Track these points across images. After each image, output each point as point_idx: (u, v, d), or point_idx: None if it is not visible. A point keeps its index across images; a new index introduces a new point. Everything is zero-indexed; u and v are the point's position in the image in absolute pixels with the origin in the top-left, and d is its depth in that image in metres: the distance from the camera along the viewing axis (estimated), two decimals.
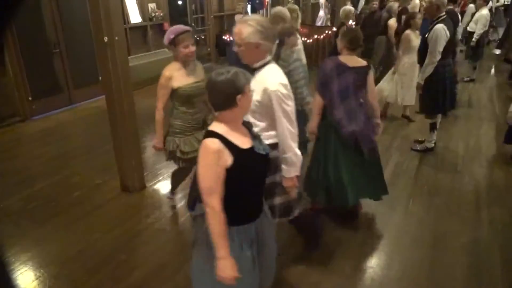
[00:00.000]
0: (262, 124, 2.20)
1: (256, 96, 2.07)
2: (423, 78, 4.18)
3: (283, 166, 2.23)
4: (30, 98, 5.82)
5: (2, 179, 4.10)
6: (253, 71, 2.14)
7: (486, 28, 7.30)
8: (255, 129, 1.93)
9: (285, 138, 2.14)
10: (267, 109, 2.13)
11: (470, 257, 2.86)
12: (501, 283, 2.63)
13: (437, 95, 4.23)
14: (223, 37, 9.15)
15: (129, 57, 3.69)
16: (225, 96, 1.60)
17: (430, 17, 4.24)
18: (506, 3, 11.72)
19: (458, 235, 3.09)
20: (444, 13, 4.11)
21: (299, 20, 5.13)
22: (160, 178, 4.06)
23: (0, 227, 3.27)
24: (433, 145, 4.57)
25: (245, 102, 1.65)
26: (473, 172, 4.14)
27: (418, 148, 4.62)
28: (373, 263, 2.82)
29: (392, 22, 6.22)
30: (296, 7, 5.11)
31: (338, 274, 2.70)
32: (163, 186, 3.91)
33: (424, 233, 3.14)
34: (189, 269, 1.93)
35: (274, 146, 2.19)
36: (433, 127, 4.52)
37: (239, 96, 1.60)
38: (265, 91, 2.09)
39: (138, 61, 7.37)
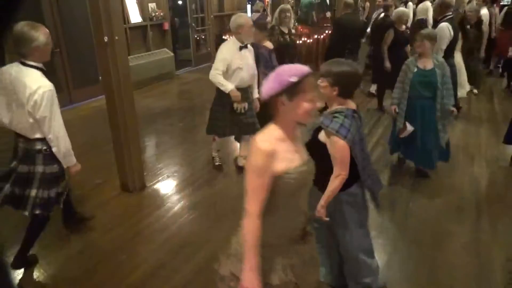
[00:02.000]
0: None
1: None
2: None
3: None
4: None
5: None
6: None
7: (486, 28, 7.29)
8: None
9: None
10: None
11: (470, 257, 2.87)
12: (501, 283, 2.63)
13: None
14: (223, 37, 9.15)
15: (129, 57, 3.68)
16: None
17: (436, 16, 4.26)
18: None
19: (458, 235, 3.09)
20: (450, 13, 4.14)
21: (292, 20, 5.11)
22: (160, 178, 4.06)
23: (0, 227, 3.27)
24: None
25: None
26: (473, 172, 4.14)
27: None
28: None
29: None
30: (288, 7, 5.09)
31: None
32: (163, 186, 3.92)
33: (424, 233, 3.14)
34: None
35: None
36: None
37: None
38: None
39: (138, 61, 7.38)
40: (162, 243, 3.05)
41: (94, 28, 3.37)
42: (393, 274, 2.72)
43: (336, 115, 1.99)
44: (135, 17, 7.70)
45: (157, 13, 8.09)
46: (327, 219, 2.10)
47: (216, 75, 3.64)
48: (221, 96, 3.79)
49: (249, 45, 3.80)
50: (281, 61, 4.88)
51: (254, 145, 1.48)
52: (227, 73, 3.67)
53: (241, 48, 3.70)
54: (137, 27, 7.73)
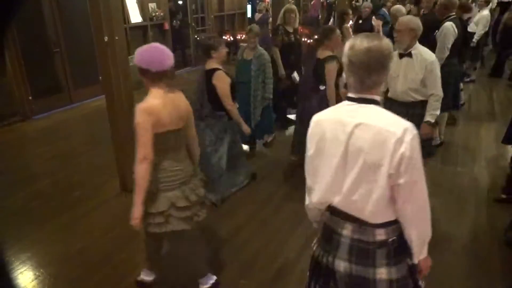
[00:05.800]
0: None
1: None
2: None
3: None
4: (30, 98, 5.82)
5: (2, 178, 4.10)
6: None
7: (487, 29, 7.30)
8: None
9: None
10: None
11: (470, 257, 2.87)
12: (500, 283, 2.63)
13: None
14: (223, 37, 9.13)
15: (129, 57, 3.68)
16: None
17: (439, 16, 4.27)
18: None
19: (458, 235, 3.09)
20: (454, 12, 4.16)
21: (297, 20, 5.14)
22: None
23: (0, 226, 3.27)
24: (438, 142, 4.58)
25: None
26: (473, 172, 4.14)
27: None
28: None
29: None
30: (294, 7, 5.11)
31: None
32: None
33: None
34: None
35: None
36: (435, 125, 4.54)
37: None
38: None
39: None
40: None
41: (94, 28, 3.37)
42: None
43: None
44: (135, 17, 7.70)
45: (157, 13, 8.10)
46: None
47: None
48: None
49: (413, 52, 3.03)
50: (287, 60, 4.90)
51: None
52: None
53: (401, 56, 3.07)
54: (137, 27, 7.74)
